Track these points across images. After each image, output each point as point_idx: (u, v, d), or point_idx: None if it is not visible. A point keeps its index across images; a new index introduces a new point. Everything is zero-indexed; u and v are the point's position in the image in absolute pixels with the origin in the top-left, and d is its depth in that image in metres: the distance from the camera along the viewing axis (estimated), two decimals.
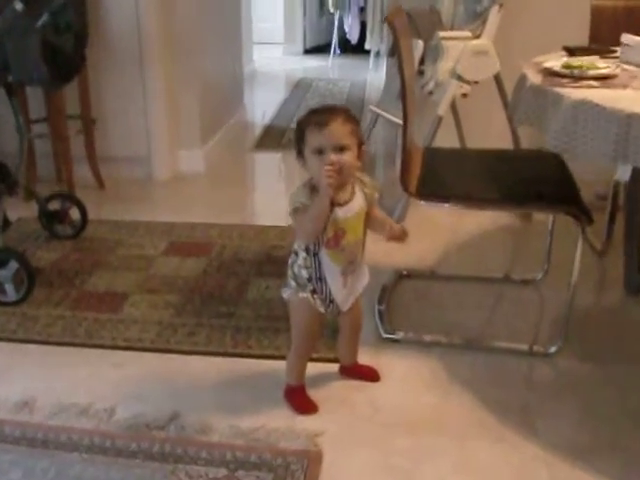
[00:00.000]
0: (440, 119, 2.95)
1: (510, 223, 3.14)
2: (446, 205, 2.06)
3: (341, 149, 1.65)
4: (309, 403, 1.92)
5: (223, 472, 1.69)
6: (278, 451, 1.75)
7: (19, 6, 2.21)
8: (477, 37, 2.96)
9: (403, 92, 2.12)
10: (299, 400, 1.93)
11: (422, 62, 3.06)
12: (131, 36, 3.48)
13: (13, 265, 2.40)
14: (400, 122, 2.23)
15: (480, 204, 2.15)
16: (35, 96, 3.35)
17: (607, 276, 2.71)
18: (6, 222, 2.67)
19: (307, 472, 1.69)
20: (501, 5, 2.95)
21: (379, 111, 3.28)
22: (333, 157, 1.64)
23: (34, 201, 2.90)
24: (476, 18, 2.99)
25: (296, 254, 1.80)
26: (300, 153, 1.72)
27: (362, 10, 6.83)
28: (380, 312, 2.33)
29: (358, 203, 1.75)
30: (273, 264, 2.73)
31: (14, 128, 2.68)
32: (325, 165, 1.63)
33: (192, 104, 3.74)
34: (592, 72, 2.04)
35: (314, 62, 7.24)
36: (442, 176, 2.19)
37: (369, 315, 2.28)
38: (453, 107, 3.14)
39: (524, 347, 2.17)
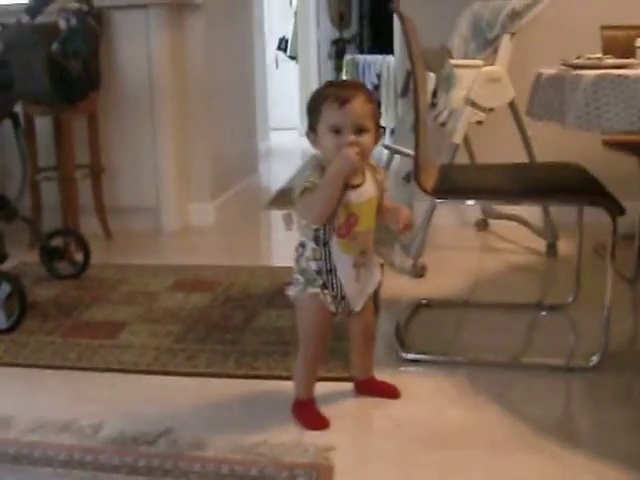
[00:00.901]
0: (457, 147, 2.83)
1: (535, 260, 2.97)
2: (466, 202, 1.89)
3: (360, 130, 1.51)
4: (319, 418, 1.69)
5: None
6: (283, 465, 1.52)
7: (25, 19, 2.17)
8: (490, 65, 2.89)
9: (416, 101, 2.00)
10: (308, 414, 1.70)
11: (434, 95, 2.99)
12: (143, 88, 3.47)
13: (5, 288, 2.25)
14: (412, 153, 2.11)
15: (501, 198, 1.99)
16: (45, 145, 3.31)
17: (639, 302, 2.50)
18: (3, 255, 2.54)
19: None
20: (513, 34, 2.89)
21: (394, 146, 3.17)
22: (352, 138, 1.50)
23: (38, 248, 2.80)
24: (487, 46, 2.93)
25: (303, 246, 1.64)
26: (312, 128, 1.57)
27: (376, 88, 6.89)
28: (399, 334, 2.12)
29: (370, 189, 1.61)
30: (284, 297, 2.51)
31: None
32: (344, 146, 1.50)
33: (203, 158, 3.67)
34: (610, 61, 1.95)
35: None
36: (460, 176, 2.04)
37: (388, 340, 2.09)
38: (466, 139, 3.03)
39: (560, 362, 1.95)
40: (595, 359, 1.90)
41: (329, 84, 1.63)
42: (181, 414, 1.76)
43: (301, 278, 1.63)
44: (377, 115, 1.57)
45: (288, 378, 1.89)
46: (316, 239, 1.60)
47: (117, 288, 2.70)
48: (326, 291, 1.61)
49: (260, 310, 2.42)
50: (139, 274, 2.88)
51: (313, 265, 1.61)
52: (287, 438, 1.62)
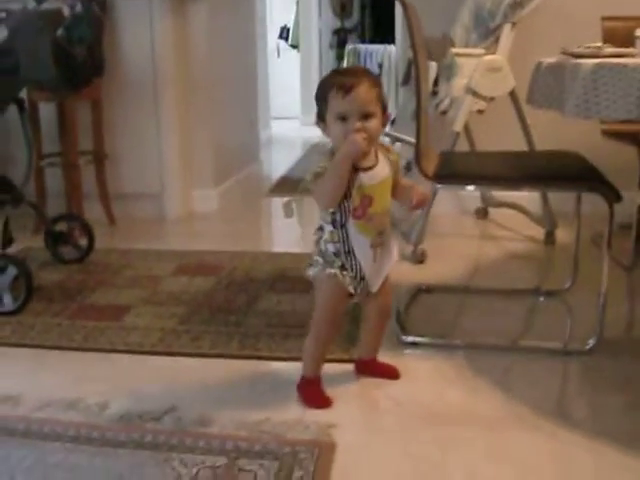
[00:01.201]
0: (457, 135, 2.86)
1: (533, 247, 3.01)
2: (467, 188, 1.93)
3: (366, 116, 1.54)
4: (323, 397, 1.73)
5: (223, 461, 1.49)
6: (285, 441, 1.56)
7: (31, 5, 2.20)
8: (491, 54, 2.91)
9: (417, 89, 2.03)
10: (312, 393, 1.74)
11: (436, 84, 3.01)
12: (146, 75, 3.48)
13: (11, 272, 2.28)
14: (414, 141, 2.14)
15: (501, 184, 2.02)
16: (48, 131, 3.34)
17: (636, 288, 2.55)
18: (10, 239, 2.57)
19: (318, 461, 1.49)
20: (514, 23, 2.91)
21: (395, 134, 3.20)
22: (359, 125, 1.54)
23: (42, 233, 2.83)
24: (489, 35, 2.95)
25: (321, 229, 1.67)
26: (321, 117, 1.61)
27: (377, 77, 6.90)
28: (399, 317, 2.15)
29: (383, 170, 1.63)
30: (286, 282, 2.58)
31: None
32: (351, 132, 1.53)
33: (206, 145, 3.70)
34: (609, 50, 1.98)
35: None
36: (461, 163, 2.07)
37: (388, 323, 2.12)
38: (466, 127, 3.06)
39: (558, 345, 1.99)
40: (591, 342, 1.94)
41: (334, 73, 1.65)
42: (186, 393, 1.80)
43: (320, 259, 1.67)
44: (383, 99, 1.59)
45: (290, 359, 1.94)
46: (333, 222, 1.63)
47: (121, 272, 2.74)
48: (345, 272, 1.65)
49: (262, 294, 2.45)
50: (143, 259, 2.91)
51: (331, 247, 1.65)
52: (289, 416, 1.66)
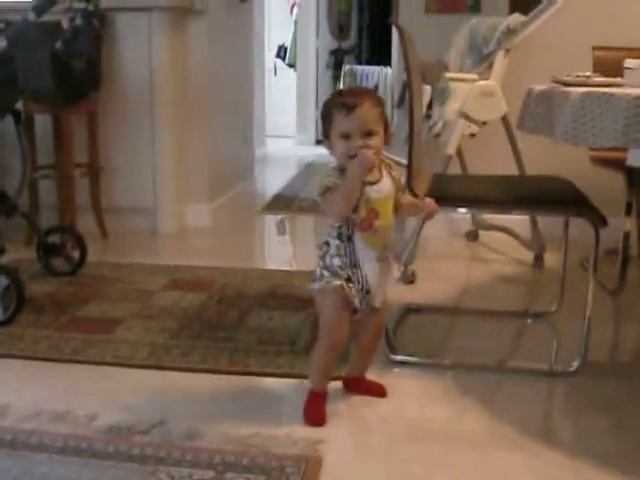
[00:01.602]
0: (450, 158, 2.90)
1: (522, 270, 3.05)
2: (458, 210, 1.96)
3: (369, 134, 1.60)
4: (320, 414, 1.73)
5: (210, 474, 1.50)
6: (273, 455, 1.57)
7: (32, 17, 2.23)
8: (484, 80, 2.96)
9: (411, 112, 2.07)
10: (314, 407, 1.74)
11: (429, 107, 3.06)
12: (143, 89, 3.52)
13: (3, 282, 2.29)
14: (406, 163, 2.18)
15: (491, 207, 2.06)
16: (43, 144, 3.36)
17: (621, 312, 2.60)
18: (1, 250, 2.58)
19: (304, 476, 1.50)
20: (508, 50, 2.97)
21: (389, 155, 3.23)
22: (361, 143, 1.59)
23: (34, 246, 2.84)
24: (482, 61, 3.00)
25: (327, 244, 1.70)
26: (326, 135, 1.67)
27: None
28: (388, 336, 2.16)
29: (387, 185, 1.68)
30: (277, 299, 2.59)
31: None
32: (354, 150, 1.59)
33: (201, 160, 3.73)
34: (597, 80, 2.03)
35: (325, 150, 7.31)
36: (452, 185, 2.11)
37: None
38: (458, 151, 3.10)
39: (543, 367, 2.01)
40: (575, 365, 1.97)
41: (338, 92, 1.73)
42: (175, 407, 1.80)
43: (326, 272, 1.69)
44: (385, 117, 1.65)
45: (280, 375, 1.96)
46: (339, 235, 1.67)
47: (113, 286, 2.74)
48: (351, 284, 1.67)
49: (253, 310, 2.47)
50: (135, 273, 2.92)
51: (337, 261, 1.67)
52: (278, 431, 1.67)
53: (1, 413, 1.76)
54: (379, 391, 1.86)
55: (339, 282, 1.67)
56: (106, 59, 3.33)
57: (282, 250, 3.60)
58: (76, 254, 2.90)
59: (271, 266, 3.18)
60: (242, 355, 2.09)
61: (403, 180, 1.76)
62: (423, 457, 1.57)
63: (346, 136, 1.60)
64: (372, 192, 1.64)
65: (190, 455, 1.57)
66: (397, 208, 1.72)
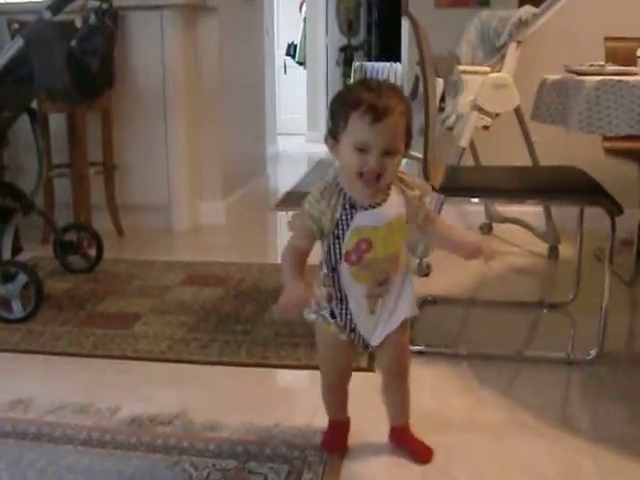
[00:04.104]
0: (463, 150, 2.90)
1: (537, 262, 3.05)
2: (472, 201, 1.96)
3: (388, 152, 1.29)
4: (333, 442, 1.58)
5: (233, 464, 1.52)
6: (295, 445, 1.59)
7: (48, 15, 2.25)
8: (497, 72, 2.96)
9: (426, 103, 2.07)
10: (330, 438, 1.60)
11: (442, 100, 3.06)
12: (157, 87, 3.54)
13: (22, 279, 2.31)
14: (421, 156, 2.18)
15: (505, 196, 2.07)
16: (58, 143, 3.39)
17: (637, 302, 2.59)
18: (19, 248, 2.61)
19: (327, 465, 1.51)
20: (519, 42, 2.97)
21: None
22: (375, 165, 1.29)
23: (51, 244, 2.87)
24: (495, 53, 3.00)
25: (320, 267, 1.44)
26: (333, 135, 1.34)
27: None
28: None
29: (392, 210, 1.37)
30: None
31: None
32: (365, 169, 1.29)
33: (214, 158, 3.75)
34: (611, 69, 2.03)
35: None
36: (467, 176, 2.11)
37: None
38: (470, 143, 3.10)
39: (561, 356, 2.02)
40: (593, 353, 1.98)
41: (362, 85, 1.35)
42: (196, 399, 1.82)
43: (313, 304, 1.44)
44: (410, 126, 1.33)
45: (298, 367, 1.96)
46: (326, 262, 1.41)
47: (129, 282, 2.77)
48: (333, 320, 1.43)
49: (270, 304, 2.48)
50: (151, 269, 2.94)
51: (323, 291, 1.42)
52: (299, 422, 1.68)
53: (25, 406, 1.78)
54: (421, 455, 1.53)
55: (316, 316, 1.45)
56: (119, 58, 3.35)
57: None
58: (93, 251, 2.93)
59: None
60: (261, 348, 2.11)
61: (429, 199, 1.46)
62: (443, 446, 1.57)
63: (362, 149, 1.29)
64: (365, 220, 1.35)
65: (212, 445, 1.59)
66: (419, 227, 1.44)
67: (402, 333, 1.47)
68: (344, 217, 1.36)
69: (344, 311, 1.42)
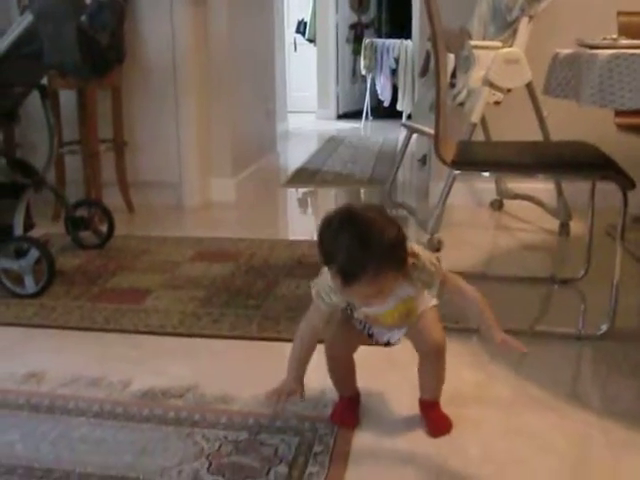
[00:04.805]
0: (474, 126, 2.88)
1: (548, 238, 3.04)
2: (483, 174, 1.95)
3: (373, 294, 1.35)
4: (346, 415, 1.59)
5: (244, 436, 1.53)
6: (306, 417, 1.60)
7: None
8: (508, 47, 2.93)
9: (437, 78, 2.06)
10: (337, 408, 1.62)
11: (453, 75, 3.04)
12: (166, 63, 3.53)
13: (34, 254, 2.33)
14: (432, 132, 2.16)
15: (516, 170, 2.06)
16: (68, 120, 3.39)
17: None
18: (31, 224, 2.62)
19: (337, 437, 1.52)
20: (531, 17, 2.93)
21: (413, 124, 3.23)
22: (361, 303, 1.40)
23: (62, 220, 2.88)
24: (506, 28, 2.97)
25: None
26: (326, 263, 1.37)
27: (394, 72, 6.92)
28: None
29: (399, 295, 1.42)
30: (304, 268, 2.61)
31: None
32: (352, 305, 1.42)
33: (224, 134, 3.74)
34: (624, 42, 2.00)
35: (347, 125, 7.32)
36: (478, 150, 2.10)
37: None
38: (482, 118, 3.07)
39: (571, 331, 2.02)
40: (604, 328, 1.98)
41: (341, 239, 1.30)
42: (207, 372, 1.83)
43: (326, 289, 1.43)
44: (401, 255, 1.33)
45: None
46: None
47: (140, 258, 2.78)
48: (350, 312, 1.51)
49: (281, 279, 2.49)
50: (161, 245, 2.96)
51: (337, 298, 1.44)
52: (310, 394, 1.67)
53: (38, 379, 1.80)
54: (438, 428, 1.54)
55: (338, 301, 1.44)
56: (129, 34, 3.33)
57: (306, 222, 3.62)
58: (104, 227, 2.94)
59: (296, 237, 3.19)
60: (272, 322, 2.12)
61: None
62: (453, 419, 1.57)
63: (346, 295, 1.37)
64: (369, 310, 1.45)
65: (224, 418, 1.60)
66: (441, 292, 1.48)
67: (425, 318, 1.51)
68: (350, 307, 1.49)
69: (358, 323, 1.53)
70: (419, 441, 1.52)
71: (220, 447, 1.49)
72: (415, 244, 1.43)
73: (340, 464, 1.42)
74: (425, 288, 1.45)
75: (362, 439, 1.52)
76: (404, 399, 1.69)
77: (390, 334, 1.53)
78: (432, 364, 1.54)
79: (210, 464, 1.42)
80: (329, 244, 1.32)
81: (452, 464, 1.43)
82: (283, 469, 1.40)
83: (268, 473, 1.39)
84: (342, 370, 1.61)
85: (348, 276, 1.29)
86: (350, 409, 1.62)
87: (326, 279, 1.40)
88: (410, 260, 1.37)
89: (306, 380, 1.70)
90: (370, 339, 1.56)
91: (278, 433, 1.54)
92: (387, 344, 1.56)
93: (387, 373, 1.82)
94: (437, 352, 1.51)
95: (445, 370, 1.55)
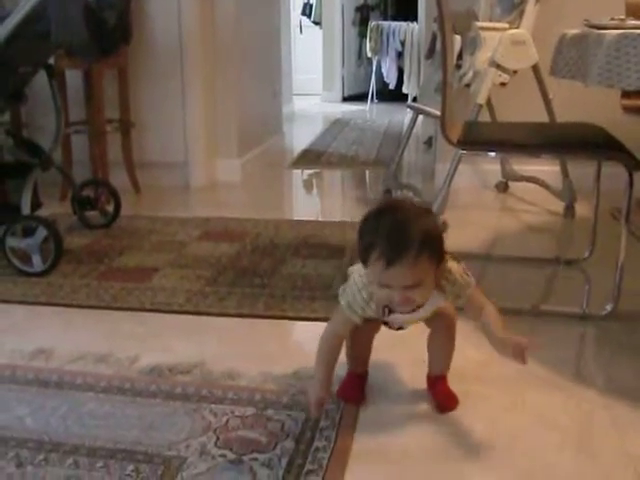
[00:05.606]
0: (480, 107, 2.88)
1: (553, 220, 3.05)
2: (489, 154, 1.96)
3: (412, 286, 1.35)
4: (352, 391, 1.61)
5: (251, 411, 1.55)
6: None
7: None
8: (515, 28, 2.92)
9: (444, 59, 2.05)
10: (344, 384, 1.63)
11: (460, 57, 3.03)
12: (173, 44, 3.53)
13: (41, 233, 2.34)
14: (439, 114, 2.16)
15: (522, 150, 2.06)
16: (75, 100, 3.39)
17: None
18: (38, 204, 2.64)
19: (343, 411, 1.54)
20: None
21: (419, 106, 3.22)
22: (400, 299, 1.36)
23: (69, 200, 2.89)
24: (513, 10, 2.97)
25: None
26: (363, 261, 1.40)
27: (400, 55, 6.90)
28: None
29: (430, 307, 1.46)
30: (310, 248, 2.63)
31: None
32: (391, 305, 1.39)
33: (231, 115, 3.75)
34: (632, 22, 2.00)
35: (352, 107, 7.30)
36: (484, 131, 2.11)
37: None
38: (488, 100, 3.07)
39: (576, 311, 2.03)
40: (608, 308, 1.99)
41: (382, 231, 1.35)
42: (214, 349, 1.85)
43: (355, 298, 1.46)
44: (436, 253, 1.35)
45: (315, 319, 1.98)
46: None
47: (147, 237, 2.80)
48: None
49: (287, 258, 2.50)
50: (168, 225, 2.97)
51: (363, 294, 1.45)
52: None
53: (47, 356, 1.82)
54: (444, 404, 1.57)
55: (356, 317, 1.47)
56: (136, 14, 3.34)
57: (312, 203, 3.63)
58: (110, 207, 2.95)
59: (301, 217, 3.20)
60: (278, 300, 2.13)
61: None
62: (459, 397, 1.59)
63: (385, 285, 1.35)
64: (400, 317, 1.46)
65: (231, 393, 1.62)
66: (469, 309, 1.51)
67: (444, 307, 1.53)
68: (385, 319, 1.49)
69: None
70: (425, 417, 1.53)
71: (227, 422, 1.50)
72: (449, 259, 1.45)
73: (346, 439, 1.44)
74: (455, 300, 1.48)
75: (368, 415, 1.54)
76: (411, 376, 1.71)
77: (404, 323, 1.55)
78: (442, 338, 1.58)
79: (217, 438, 1.44)
80: (369, 234, 1.36)
81: (458, 439, 1.45)
82: (290, 444, 1.42)
83: (275, 447, 1.40)
84: (360, 347, 1.63)
85: (390, 257, 1.31)
86: (357, 385, 1.63)
87: (358, 291, 1.44)
88: (444, 274, 1.42)
89: (312, 356, 1.72)
90: (385, 325, 1.58)
91: (284, 409, 1.55)
92: (399, 328, 1.58)
93: (394, 350, 1.83)
94: (448, 326, 1.56)
95: (454, 345, 1.58)
